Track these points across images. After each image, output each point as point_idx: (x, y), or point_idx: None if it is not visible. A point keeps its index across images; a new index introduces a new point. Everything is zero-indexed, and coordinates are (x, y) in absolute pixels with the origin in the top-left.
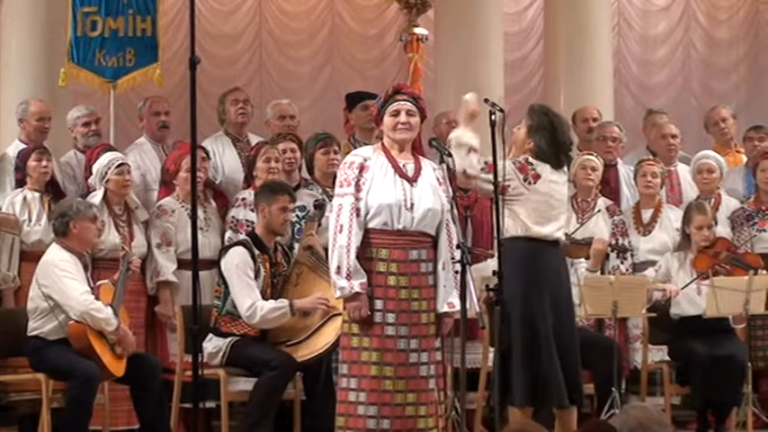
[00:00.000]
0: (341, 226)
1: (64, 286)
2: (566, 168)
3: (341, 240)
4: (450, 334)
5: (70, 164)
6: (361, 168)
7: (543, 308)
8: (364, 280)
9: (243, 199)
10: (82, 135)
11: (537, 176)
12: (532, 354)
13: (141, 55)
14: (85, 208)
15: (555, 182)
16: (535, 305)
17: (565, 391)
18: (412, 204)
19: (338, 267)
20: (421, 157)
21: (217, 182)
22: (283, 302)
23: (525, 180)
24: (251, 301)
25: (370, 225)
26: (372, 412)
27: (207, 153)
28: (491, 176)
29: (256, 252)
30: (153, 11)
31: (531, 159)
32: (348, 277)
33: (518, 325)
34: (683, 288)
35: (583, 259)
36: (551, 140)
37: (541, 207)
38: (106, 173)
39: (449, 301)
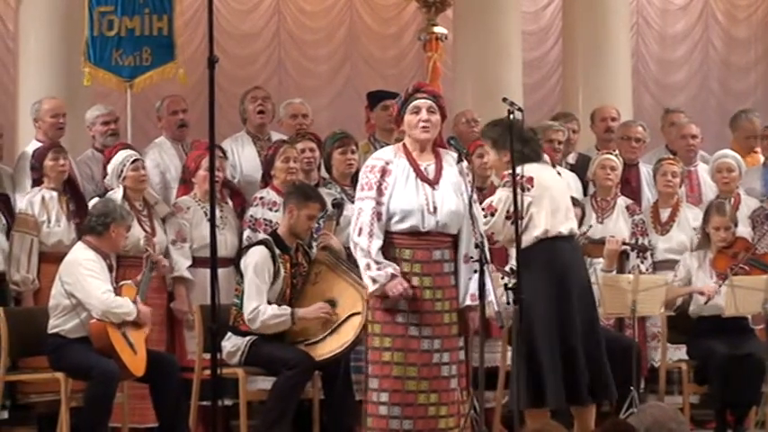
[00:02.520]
0: (360, 229)
1: (87, 285)
2: (548, 159)
3: (362, 243)
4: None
5: (88, 163)
6: (383, 172)
7: (570, 307)
8: (395, 264)
9: (261, 198)
10: (101, 134)
11: (530, 179)
12: (562, 354)
13: (158, 54)
14: (127, 215)
15: (548, 175)
16: (563, 305)
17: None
18: (435, 208)
19: (367, 264)
20: (442, 152)
21: (235, 180)
22: (285, 310)
23: (523, 189)
24: (256, 303)
25: (394, 229)
26: (396, 413)
27: (224, 152)
28: (494, 218)
29: (277, 252)
30: (169, 10)
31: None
32: (379, 268)
33: (546, 327)
34: (706, 303)
35: (602, 258)
36: (519, 139)
37: (552, 204)
38: (122, 170)
39: (471, 292)
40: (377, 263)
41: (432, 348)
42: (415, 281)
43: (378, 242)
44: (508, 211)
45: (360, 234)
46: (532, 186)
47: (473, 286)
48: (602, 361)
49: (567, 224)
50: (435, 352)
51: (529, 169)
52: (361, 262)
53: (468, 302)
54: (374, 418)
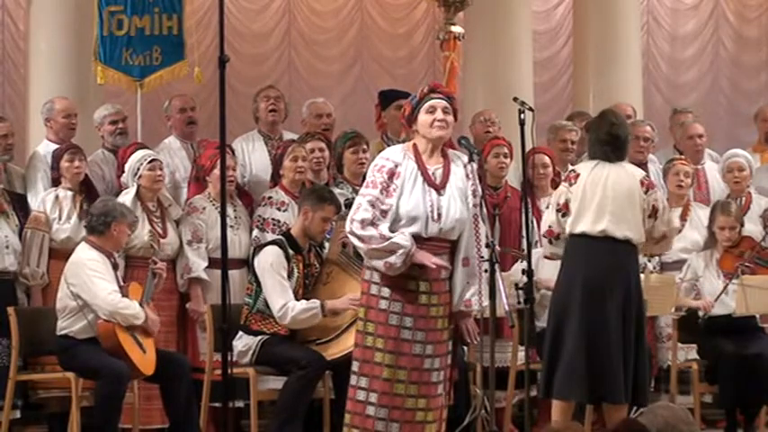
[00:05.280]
0: (362, 221)
1: (93, 286)
2: (625, 164)
3: (369, 232)
4: (480, 333)
5: (99, 163)
6: (392, 174)
7: (600, 305)
8: (405, 236)
9: (269, 198)
10: (109, 133)
11: (577, 176)
12: (590, 349)
13: (168, 53)
14: (128, 212)
15: (602, 176)
16: (589, 302)
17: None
18: (439, 215)
19: (384, 246)
20: (451, 154)
21: (245, 179)
22: (315, 303)
23: (570, 184)
24: (283, 301)
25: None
26: (383, 414)
27: (233, 151)
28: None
29: (290, 252)
30: (179, 9)
31: (572, 167)
32: (393, 251)
33: (570, 319)
34: (715, 300)
35: None
36: (598, 139)
37: (582, 203)
38: (138, 169)
39: (466, 298)
40: (390, 246)
41: (423, 353)
42: (412, 285)
43: (385, 225)
44: (558, 204)
45: (362, 227)
46: (575, 182)
47: (469, 292)
48: (630, 364)
49: (598, 225)
50: (427, 357)
51: (583, 167)
52: (376, 244)
53: (462, 308)
54: (358, 416)
